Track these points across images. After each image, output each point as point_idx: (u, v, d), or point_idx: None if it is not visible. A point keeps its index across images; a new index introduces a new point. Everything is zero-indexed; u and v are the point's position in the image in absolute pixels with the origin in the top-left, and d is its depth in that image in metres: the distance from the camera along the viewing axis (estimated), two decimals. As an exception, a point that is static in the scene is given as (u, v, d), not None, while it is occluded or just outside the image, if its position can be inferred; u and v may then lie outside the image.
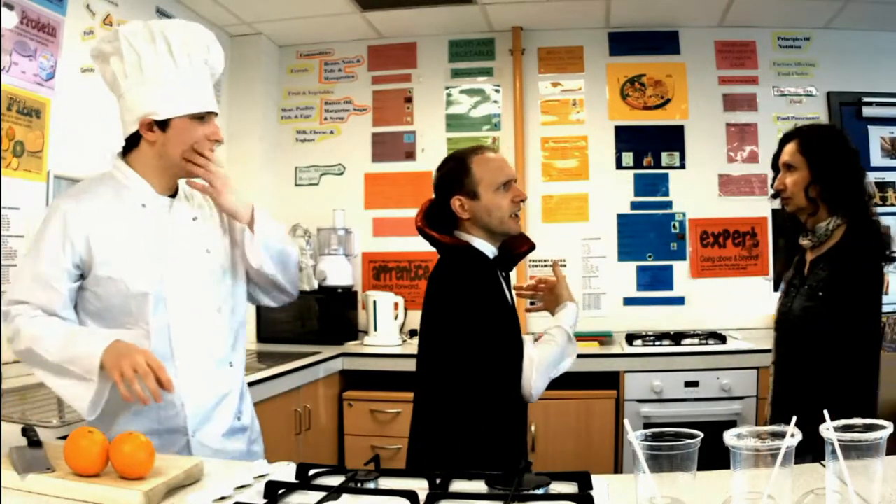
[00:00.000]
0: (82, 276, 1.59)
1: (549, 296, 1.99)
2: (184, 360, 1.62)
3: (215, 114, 1.68)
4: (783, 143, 2.00)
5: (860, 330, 1.81)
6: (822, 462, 1.07)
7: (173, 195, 1.71)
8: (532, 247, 2.00)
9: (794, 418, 1.00)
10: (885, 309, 3.62)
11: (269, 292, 1.84)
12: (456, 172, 1.88)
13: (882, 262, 1.86)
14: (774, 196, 2.01)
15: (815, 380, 1.82)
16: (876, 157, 3.87)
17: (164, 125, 1.60)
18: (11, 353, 1.58)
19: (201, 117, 1.63)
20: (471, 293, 1.80)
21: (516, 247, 1.98)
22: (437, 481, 1.22)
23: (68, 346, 1.50)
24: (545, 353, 1.82)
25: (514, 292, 2.01)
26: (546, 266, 3.96)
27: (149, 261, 1.60)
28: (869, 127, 3.87)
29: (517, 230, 1.92)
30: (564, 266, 3.95)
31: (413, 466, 1.81)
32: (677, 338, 3.51)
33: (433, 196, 1.94)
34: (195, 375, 1.64)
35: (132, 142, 1.65)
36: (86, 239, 1.56)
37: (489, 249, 1.89)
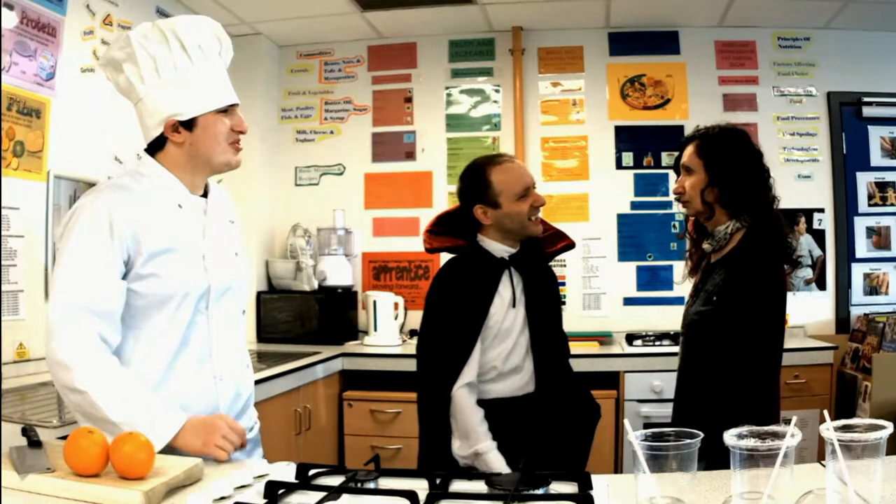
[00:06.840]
0: (125, 275, 1.51)
1: None
2: (220, 364, 1.60)
3: (237, 104, 1.65)
4: (684, 144, 1.95)
5: (754, 336, 1.75)
6: (822, 462, 1.07)
7: (204, 195, 1.67)
8: (569, 244, 2.14)
9: (794, 418, 1.00)
10: (884, 309, 3.71)
11: None
12: (477, 183, 2.01)
13: (783, 267, 1.80)
14: (677, 199, 1.96)
15: (710, 385, 1.78)
16: (876, 157, 3.88)
17: (189, 125, 1.57)
18: (56, 368, 1.41)
19: (225, 110, 1.62)
20: (430, 297, 2.04)
21: (549, 245, 2.12)
22: (437, 481, 1.22)
23: (136, 414, 1.39)
24: (468, 413, 1.90)
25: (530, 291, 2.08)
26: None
27: (192, 260, 1.57)
28: (869, 127, 3.87)
29: (538, 232, 2.06)
30: (564, 266, 3.96)
31: None
32: (677, 338, 3.49)
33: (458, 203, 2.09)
34: (230, 378, 1.63)
35: (156, 144, 1.60)
36: (133, 234, 1.48)
37: (501, 250, 2.03)
